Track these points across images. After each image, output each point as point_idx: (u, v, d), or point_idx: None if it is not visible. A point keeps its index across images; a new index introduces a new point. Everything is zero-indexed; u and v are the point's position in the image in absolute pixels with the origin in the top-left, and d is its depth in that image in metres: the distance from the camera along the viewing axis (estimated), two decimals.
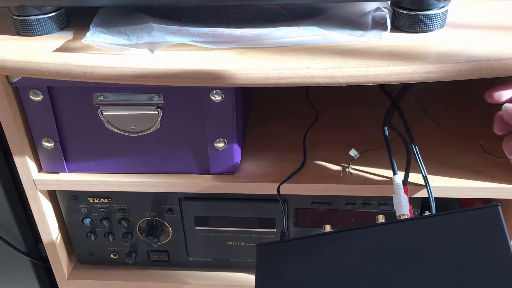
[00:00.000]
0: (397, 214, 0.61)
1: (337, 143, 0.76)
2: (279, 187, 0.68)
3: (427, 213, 0.57)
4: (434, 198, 0.64)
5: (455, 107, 0.84)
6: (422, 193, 0.67)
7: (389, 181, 0.67)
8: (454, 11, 0.63)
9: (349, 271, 0.52)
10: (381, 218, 0.58)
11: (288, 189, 0.69)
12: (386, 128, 0.72)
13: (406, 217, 0.60)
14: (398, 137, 0.70)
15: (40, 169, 0.72)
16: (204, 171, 0.70)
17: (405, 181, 0.66)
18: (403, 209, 0.61)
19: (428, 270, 0.49)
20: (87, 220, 0.77)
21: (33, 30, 0.61)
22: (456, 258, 0.49)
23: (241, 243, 0.78)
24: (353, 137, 0.77)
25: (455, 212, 0.51)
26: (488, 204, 0.50)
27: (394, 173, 0.66)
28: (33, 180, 0.71)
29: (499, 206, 0.49)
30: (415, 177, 0.67)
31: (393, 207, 0.70)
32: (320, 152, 0.74)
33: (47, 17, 0.61)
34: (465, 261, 0.48)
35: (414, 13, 0.58)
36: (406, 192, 0.63)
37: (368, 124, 0.79)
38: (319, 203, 0.73)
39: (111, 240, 0.80)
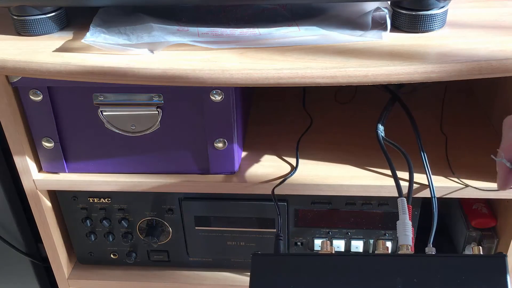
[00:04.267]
0: (400, 243, 0.57)
1: (337, 143, 0.76)
2: (273, 190, 0.67)
3: (429, 250, 0.54)
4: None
5: (452, 107, 0.84)
6: (423, 193, 0.67)
7: (389, 181, 0.67)
8: (454, 11, 0.63)
9: None
10: (382, 245, 0.56)
11: (288, 189, 0.69)
12: (383, 143, 0.68)
13: (409, 247, 0.56)
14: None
15: (40, 169, 0.72)
16: (204, 171, 0.70)
17: (408, 199, 0.61)
18: (407, 239, 0.57)
19: None
20: (87, 220, 0.77)
21: (33, 30, 0.61)
22: None
23: (241, 243, 0.78)
24: (351, 138, 0.77)
25: (461, 256, 0.50)
26: (495, 254, 0.49)
27: (399, 195, 0.62)
28: (33, 180, 0.71)
29: (506, 257, 0.48)
30: (417, 177, 0.67)
31: (393, 207, 0.70)
32: (320, 152, 0.74)
33: (47, 17, 0.61)
34: None
35: (414, 13, 0.58)
36: (410, 213, 0.59)
37: (368, 125, 0.79)
38: (319, 203, 0.73)
39: (111, 240, 0.80)
